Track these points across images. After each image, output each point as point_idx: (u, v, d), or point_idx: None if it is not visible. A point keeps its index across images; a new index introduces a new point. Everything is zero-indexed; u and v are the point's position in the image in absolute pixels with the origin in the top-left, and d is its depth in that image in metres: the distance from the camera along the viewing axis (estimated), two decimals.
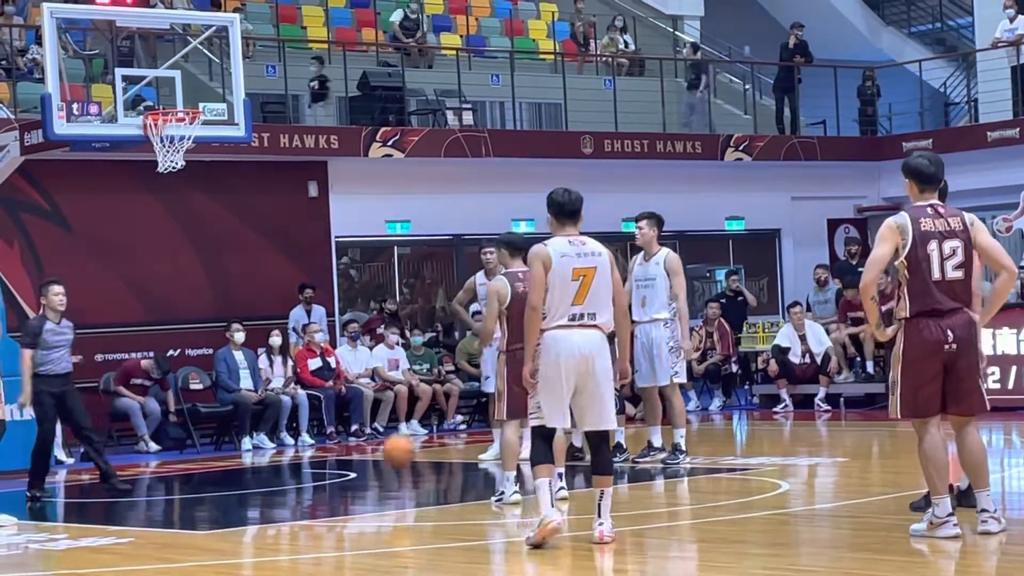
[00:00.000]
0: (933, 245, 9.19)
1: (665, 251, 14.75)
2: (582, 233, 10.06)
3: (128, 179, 20.19)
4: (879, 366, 20.68)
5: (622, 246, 25.55)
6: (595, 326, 9.84)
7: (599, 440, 10.06)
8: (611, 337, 10.14)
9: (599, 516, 9.90)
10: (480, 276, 15.50)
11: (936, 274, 9.19)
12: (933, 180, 9.40)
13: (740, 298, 23.79)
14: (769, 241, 26.94)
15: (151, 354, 19.92)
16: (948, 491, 9.36)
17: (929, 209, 9.32)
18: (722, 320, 22.65)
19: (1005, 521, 9.46)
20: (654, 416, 14.88)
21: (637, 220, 14.88)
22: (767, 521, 11.05)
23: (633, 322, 14.76)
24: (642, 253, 14.80)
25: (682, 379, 14.78)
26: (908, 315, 9.26)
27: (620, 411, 15.10)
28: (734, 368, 22.77)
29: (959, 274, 9.24)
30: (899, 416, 9.39)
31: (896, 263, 9.27)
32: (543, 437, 9.99)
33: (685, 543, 10.49)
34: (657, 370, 14.60)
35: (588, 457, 14.91)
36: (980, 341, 9.44)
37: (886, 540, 9.65)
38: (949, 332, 9.19)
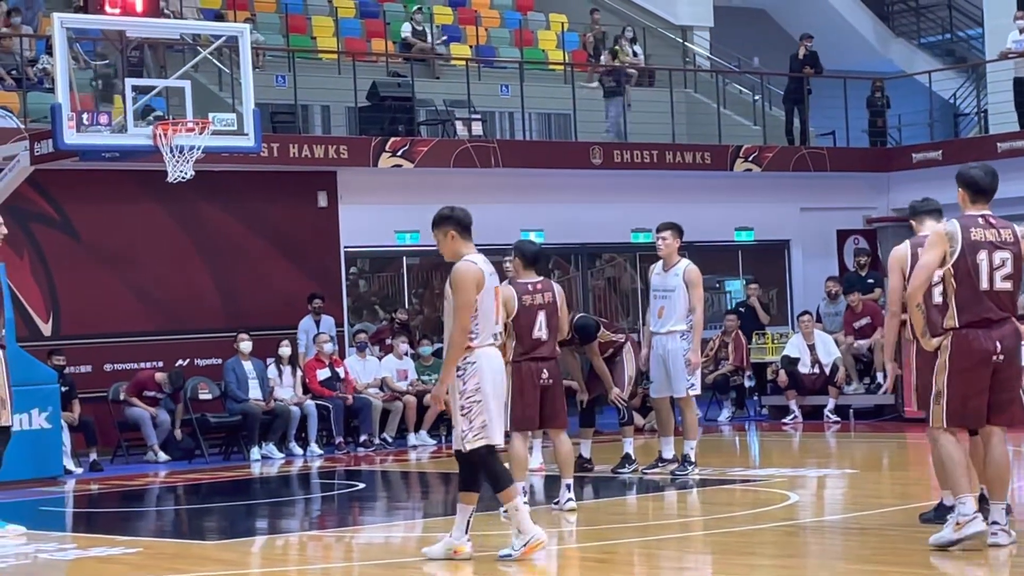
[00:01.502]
0: (983, 255, 9.18)
1: (685, 262, 14.67)
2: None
3: (137, 189, 20.21)
4: (865, 379, 20.72)
5: (631, 256, 25.64)
6: (502, 345, 10.14)
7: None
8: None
9: (461, 532, 9.99)
10: (503, 286, 15.44)
11: (985, 284, 9.18)
12: (987, 191, 9.41)
13: (746, 309, 23.75)
14: (778, 252, 26.92)
15: (161, 364, 19.95)
16: (970, 490, 9.31)
17: (980, 219, 9.31)
18: (739, 332, 22.61)
19: (1015, 534, 9.43)
20: (666, 428, 14.84)
21: (659, 230, 14.72)
22: (776, 533, 11.03)
23: (652, 333, 14.79)
24: (660, 263, 14.70)
25: (697, 391, 14.75)
26: (957, 325, 9.24)
27: (628, 422, 15.16)
28: (747, 380, 22.72)
29: (1007, 285, 9.23)
30: (944, 426, 9.30)
31: (942, 270, 9.25)
32: (474, 463, 9.86)
33: (695, 554, 10.47)
34: (673, 382, 14.56)
35: (595, 468, 15.06)
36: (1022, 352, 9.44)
37: (896, 552, 9.64)
38: (998, 343, 9.20)
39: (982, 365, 9.19)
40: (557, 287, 12.44)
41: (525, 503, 11.99)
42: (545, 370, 12.03)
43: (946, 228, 9.29)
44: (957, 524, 9.27)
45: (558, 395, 12.18)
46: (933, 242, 9.28)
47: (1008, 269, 9.21)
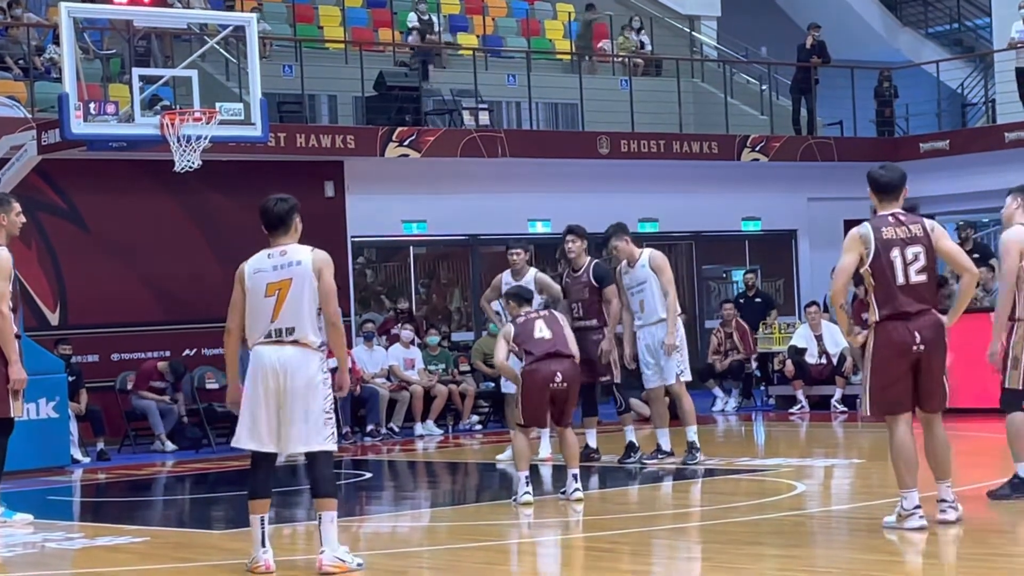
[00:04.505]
0: (896, 252, 9.66)
1: (648, 251, 14.72)
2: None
3: (145, 179, 20.23)
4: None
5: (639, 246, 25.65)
6: (293, 342, 9.23)
7: (310, 460, 9.35)
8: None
9: (320, 543, 9.23)
10: (507, 275, 15.57)
11: (900, 279, 9.66)
12: (888, 188, 9.94)
13: (758, 299, 23.78)
14: (786, 242, 26.91)
15: (168, 354, 19.96)
16: (915, 485, 9.70)
17: (891, 218, 9.80)
18: (739, 319, 22.61)
19: (961, 508, 9.89)
20: (661, 418, 14.86)
21: (605, 242, 14.84)
22: (782, 522, 11.04)
23: (637, 327, 14.82)
24: (625, 262, 14.75)
25: (687, 377, 14.75)
26: (878, 319, 9.70)
27: (626, 410, 15.18)
28: (753, 368, 22.74)
29: (923, 278, 9.68)
30: (868, 414, 9.90)
31: (861, 271, 9.72)
32: (254, 464, 9.40)
33: (701, 544, 10.47)
34: (663, 370, 14.58)
35: (602, 458, 15.07)
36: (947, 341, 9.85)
37: (902, 542, 9.64)
38: (917, 334, 9.64)
39: (901, 355, 9.65)
40: (558, 314, 12.69)
41: (528, 492, 12.03)
42: (559, 373, 12.05)
43: (859, 231, 9.78)
44: (899, 516, 9.77)
45: (570, 400, 12.25)
46: (848, 246, 9.81)
47: (921, 262, 9.66)
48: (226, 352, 9.64)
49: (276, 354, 9.23)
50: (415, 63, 24.28)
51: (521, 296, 12.65)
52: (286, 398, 9.16)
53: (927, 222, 9.82)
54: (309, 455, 9.30)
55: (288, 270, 9.28)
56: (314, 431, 9.20)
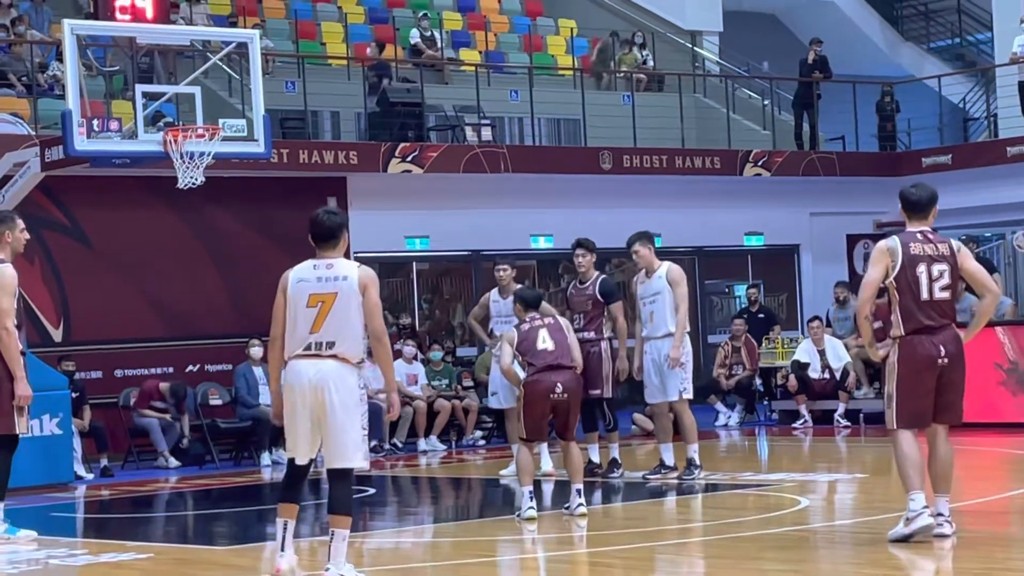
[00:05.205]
0: (922, 267, 9.87)
1: (668, 264, 14.75)
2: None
3: (148, 195, 20.25)
4: (875, 383, 20.70)
5: None
6: (332, 356, 9.15)
7: (333, 476, 9.28)
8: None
9: (328, 559, 9.17)
10: (494, 293, 15.67)
11: (925, 294, 9.87)
12: (917, 207, 10.07)
13: (761, 314, 23.77)
14: (788, 257, 26.92)
15: (171, 370, 19.97)
16: (922, 487, 9.85)
17: (919, 235, 9.99)
18: (748, 335, 22.61)
19: (956, 525, 9.99)
20: (665, 433, 14.87)
21: (629, 245, 14.83)
22: (786, 538, 11.03)
23: (644, 339, 14.84)
24: (643, 271, 14.79)
25: (689, 395, 14.75)
26: (903, 333, 9.89)
27: (613, 428, 15.19)
28: (757, 383, 22.74)
29: (946, 295, 9.91)
30: (895, 427, 9.93)
31: (886, 283, 9.91)
32: (289, 471, 9.44)
33: (704, 559, 10.47)
34: (667, 385, 14.59)
35: (604, 472, 15.07)
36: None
37: (907, 557, 9.64)
38: (941, 347, 9.86)
39: (927, 369, 9.86)
40: (563, 321, 12.67)
41: (532, 507, 12.03)
42: (560, 384, 12.06)
43: (887, 244, 9.96)
44: (907, 520, 9.85)
45: (572, 411, 12.22)
46: (875, 259, 9.99)
47: (946, 280, 9.89)
48: (270, 362, 9.62)
49: (314, 368, 9.16)
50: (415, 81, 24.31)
51: (528, 300, 12.57)
52: (325, 412, 9.15)
53: (954, 242, 10.04)
54: (335, 470, 9.26)
55: (334, 284, 9.23)
56: (352, 448, 9.18)
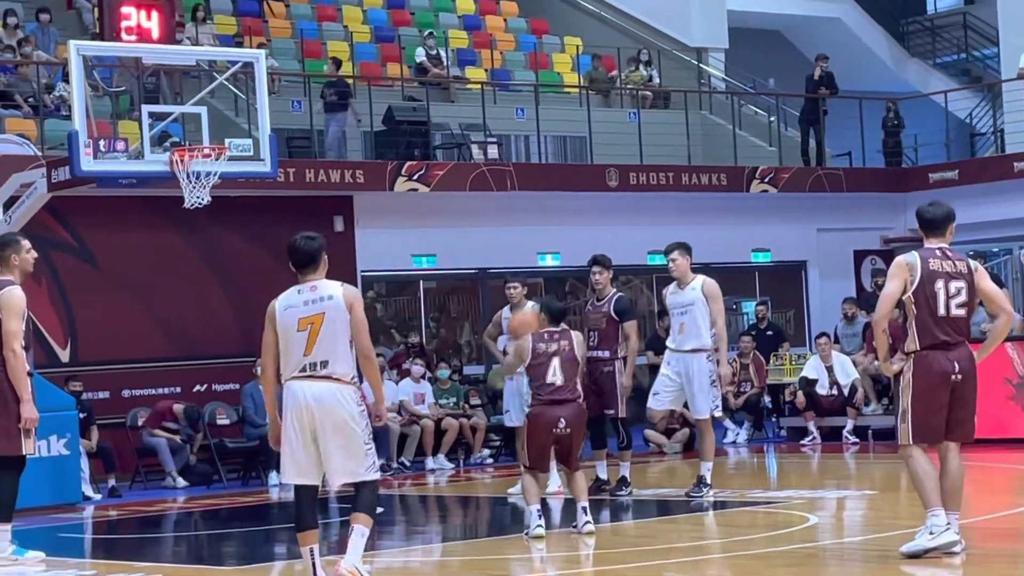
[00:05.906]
0: (940, 284, 9.96)
1: (702, 277, 14.73)
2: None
3: (155, 215, 20.26)
4: (884, 399, 20.65)
5: (648, 279, 25.62)
6: (327, 376, 9.28)
7: (358, 487, 9.39)
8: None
9: (347, 552, 9.32)
10: (506, 311, 15.64)
11: (942, 310, 9.92)
12: (933, 224, 10.18)
13: (769, 331, 23.74)
14: (795, 273, 26.89)
15: (179, 390, 19.96)
16: (941, 504, 9.88)
17: (938, 251, 10.08)
18: (757, 352, 22.59)
19: (965, 542, 9.98)
20: (707, 453, 14.71)
21: (668, 252, 14.78)
22: (796, 555, 11.00)
23: (670, 350, 14.81)
24: (675, 283, 14.75)
25: (719, 413, 14.76)
26: (918, 348, 9.93)
27: (627, 446, 15.15)
28: (766, 400, 22.70)
29: (962, 312, 9.98)
30: (910, 442, 9.93)
31: (903, 297, 9.94)
32: (297, 497, 9.47)
33: None
34: (697, 402, 14.55)
35: (612, 488, 15.04)
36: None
37: (916, 574, 9.61)
38: (956, 364, 9.90)
39: (942, 384, 9.89)
40: (576, 336, 12.50)
41: (540, 526, 11.99)
42: (563, 419, 12.03)
43: (906, 259, 10.02)
44: (931, 534, 9.84)
45: (575, 444, 12.21)
46: (894, 273, 10.02)
47: (963, 297, 9.97)
48: (264, 393, 9.77)
49: (310, 389, 9.27)
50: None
51: (553, 312, 12.42)
52: (322, 433, 9.22)
53: (971, 261, 10.15)
54: (355, 485, 9.37)
55: (320, 304, 9.35)
56: (358, 463, 9.28)
